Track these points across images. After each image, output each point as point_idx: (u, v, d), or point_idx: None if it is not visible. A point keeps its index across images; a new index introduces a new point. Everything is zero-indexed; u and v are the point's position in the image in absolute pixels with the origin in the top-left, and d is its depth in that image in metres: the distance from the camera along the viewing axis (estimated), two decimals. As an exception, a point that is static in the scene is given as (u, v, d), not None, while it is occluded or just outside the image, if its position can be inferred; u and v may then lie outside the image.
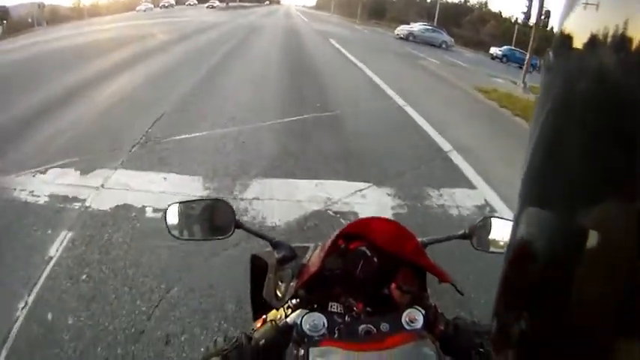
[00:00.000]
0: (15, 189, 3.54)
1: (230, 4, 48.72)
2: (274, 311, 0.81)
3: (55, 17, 28.28)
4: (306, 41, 16.63)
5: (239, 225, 0.93)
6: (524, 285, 0.36)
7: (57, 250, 2.68)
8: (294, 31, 20.83)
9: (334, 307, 0.77)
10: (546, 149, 0.35)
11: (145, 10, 42.24)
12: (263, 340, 0.74)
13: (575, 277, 0.32)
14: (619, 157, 0.29)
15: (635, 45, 0.27)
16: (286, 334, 0.75)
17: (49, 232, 2.87)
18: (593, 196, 0.31)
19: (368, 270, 0.80)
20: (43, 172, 3.71)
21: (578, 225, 0.32)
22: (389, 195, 3.54)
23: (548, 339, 0.34)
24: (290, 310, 0.77)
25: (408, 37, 25.56)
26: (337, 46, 15.36)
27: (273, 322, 0.77)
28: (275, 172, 3.78)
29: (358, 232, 0.82)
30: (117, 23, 25.84)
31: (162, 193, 3.15)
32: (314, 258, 0.80)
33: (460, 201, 3.53)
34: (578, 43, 0.32)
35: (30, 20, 33.56)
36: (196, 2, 46.12)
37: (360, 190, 3.54)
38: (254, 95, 6.90)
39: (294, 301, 0.78)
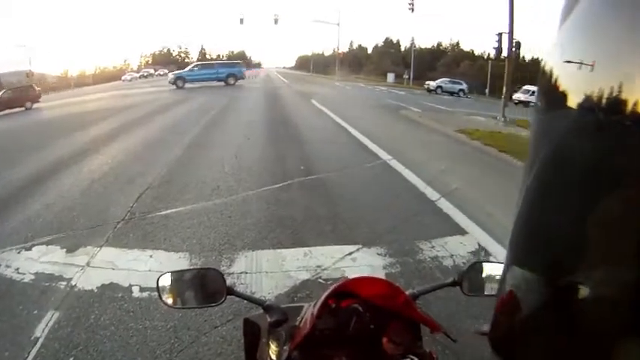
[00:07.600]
0: (0, 265, 3.63)
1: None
2: None
3: (41, 86, 28.36)
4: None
5: (231, 292, 0.95)
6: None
7: (43, 331, 2.73)
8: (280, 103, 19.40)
9: None
10: (535, 203, 0.35)
11: (130, 80, 43.89)
12: None
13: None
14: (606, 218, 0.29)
15: (629, 107, 0.27)
16: None
17: (35, 312, 2.94)
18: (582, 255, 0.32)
19: (360, 327, 0.80)
20: (28, 249, 3.84)
21: (565, 283, 0.33)
22: (379, 255, 3.62)
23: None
24: None
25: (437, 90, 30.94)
26: (330, 114, 14.24)
27: None
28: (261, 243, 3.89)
29: (348, 291, 0.83)
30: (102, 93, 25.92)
31: (149, 271, 3.35)
32: (306, 319, 0.81)
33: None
34: (571, 101, 0.32)
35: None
36: (167, 71, 46.09)
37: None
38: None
39: None
